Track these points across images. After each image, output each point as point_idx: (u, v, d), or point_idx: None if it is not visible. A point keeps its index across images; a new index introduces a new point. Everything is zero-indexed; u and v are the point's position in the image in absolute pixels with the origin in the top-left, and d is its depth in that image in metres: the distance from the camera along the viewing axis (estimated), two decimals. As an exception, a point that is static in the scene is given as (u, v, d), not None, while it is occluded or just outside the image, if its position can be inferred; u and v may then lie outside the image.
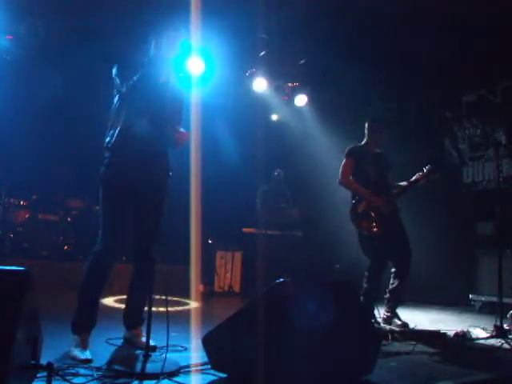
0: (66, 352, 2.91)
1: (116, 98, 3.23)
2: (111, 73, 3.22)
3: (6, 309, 1.97)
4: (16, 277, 2.12)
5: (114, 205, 3.12)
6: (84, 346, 2.93)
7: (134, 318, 3.33)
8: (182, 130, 3.31)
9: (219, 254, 7.27)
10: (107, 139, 3.16)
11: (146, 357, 2.73)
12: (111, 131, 3.16)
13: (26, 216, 6.41)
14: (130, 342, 3.28)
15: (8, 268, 2.14)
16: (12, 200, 6.38)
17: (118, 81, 3.16)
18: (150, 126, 3.14)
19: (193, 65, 6.30)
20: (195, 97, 5.82)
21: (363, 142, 4.78)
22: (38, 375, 2.32)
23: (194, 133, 5.06)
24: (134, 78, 3.07)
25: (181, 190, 5.59)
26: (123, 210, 3.14)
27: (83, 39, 6.05)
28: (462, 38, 5.87)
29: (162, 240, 3.29)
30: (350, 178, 4.60)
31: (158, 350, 3.06)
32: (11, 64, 6.28)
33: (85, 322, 3.05)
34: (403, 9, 5.64)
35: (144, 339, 2.96)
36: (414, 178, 4.59)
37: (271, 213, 6.95)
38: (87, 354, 2.84)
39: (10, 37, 6.12)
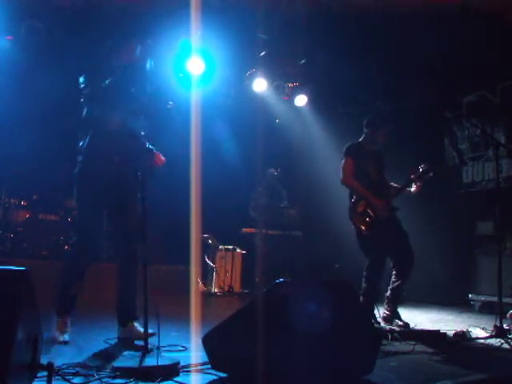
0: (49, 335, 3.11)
1: (85, 105, 3.47)
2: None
3: (6, 309, 1.97)
4: (16, 277, 2.12)
5: (87, 203, 3.39)
6: (64, 328, 3.31)
7: (126, 313, 3.44)
8: (153, 150, 3.50)
9: (219, 253, 7.27)
10: (80, 143, 3.45)
11: (145, 353, 2.75)
12: (84, 135, 3.44)
13: (26, 216, 6.41)
14: (127, 339, 3.34)
15: (8, 268, 2.14)
16: (12, 200, 6.38)
17: (87, 88, 3.41)
18: (121, 129, 3.33)
19: (193, 65, 6.31)
20: (195, 96, 5.84)
21: (361, 139, 4.76)
22: (38, 375, 2.33)
23: (194, 132, 5.06)
24: (103, 84, 3.28)
25: (181, 190, 5.59)
26: (95, 209, 3.38)
27: (82, 39, 6.05)
28: (462, 37, 5.87)
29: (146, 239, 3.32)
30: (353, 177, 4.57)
31: (159, 348, 3.07)
32: (11, 64, 6.28)
33: (64, 306, 3.40)
34: (403, 8, 5.65)
35: (141, 329, 3.13)
36: (408, 178, 4.58)
37: (268, 212, 6.95)
38: (65, 337, 3.23)
39: (10, 37, 6.11)
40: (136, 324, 3.42)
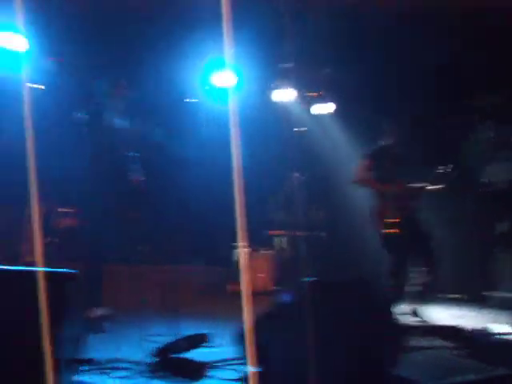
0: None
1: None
2: None
3: (56, 307, 2.12)
4: (66, 278, 2.34)
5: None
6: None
7: None
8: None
9: (252, 254, 7.41)
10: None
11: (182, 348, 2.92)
12: None
13: (72, 223, 6.69)
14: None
15: (59, 270, 2.35)
16: (59, 208, 6.70)
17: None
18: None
19: (224, 78, 6.37)
20: (231, 108, 5.92)
21: (383, 143, 4.85)
22: (81, 369, 2.52)
23: (234, 142, 5.14)
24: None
25: (219, 193, 5.67)
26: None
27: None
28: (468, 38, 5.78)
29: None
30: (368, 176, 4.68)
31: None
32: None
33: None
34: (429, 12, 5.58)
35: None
36: (429, 179, 4.62)
37: (292, 214, 7.04)
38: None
39: (54, 59, 6.32)
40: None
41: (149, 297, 5.26)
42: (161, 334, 3.50)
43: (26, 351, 2.05)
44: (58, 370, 2.03)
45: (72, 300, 2.31)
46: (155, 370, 2.74)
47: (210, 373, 2.73)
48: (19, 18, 5.35)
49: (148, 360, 2.86)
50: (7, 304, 2.16)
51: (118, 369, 2.71)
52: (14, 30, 5.56)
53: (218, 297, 6.08)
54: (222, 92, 6.34)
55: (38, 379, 1.89)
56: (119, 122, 4.11)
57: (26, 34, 5.57)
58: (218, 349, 3.26)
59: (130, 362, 2.81)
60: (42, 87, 6.92)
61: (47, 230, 6.58)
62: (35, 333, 1.92)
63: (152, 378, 2.64)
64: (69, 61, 6.22)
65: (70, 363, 2.37)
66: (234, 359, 2.90)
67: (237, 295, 5.60)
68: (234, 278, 7.25)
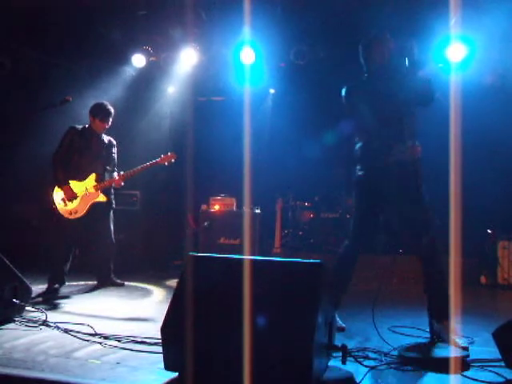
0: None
1: None
2: None
3: (309, 296, 2.34)
4: (313, 268, 2.48)
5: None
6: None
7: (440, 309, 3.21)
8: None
9: (501, 243, 6.76)
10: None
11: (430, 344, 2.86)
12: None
13: (311, 216, 7.17)
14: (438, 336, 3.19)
15: (307, 261, 2.53)
16: (298, 202, 7.22)
17: None
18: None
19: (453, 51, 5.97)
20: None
21: None
22: (333, 355, 2.61)
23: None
24: None
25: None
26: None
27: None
28: None
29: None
30: None
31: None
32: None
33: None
34: None
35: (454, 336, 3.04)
36: None
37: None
38: None
39: (283, 64, 6.64)
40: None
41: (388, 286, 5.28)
42: (406, 326, 3.52)
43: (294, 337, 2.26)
44: (315, 353, 2.20)
45: (324, 288, 2.43)
46: (403, 362, 2.70)
47: (465, 373, 2.56)
48: (247, 32, 5.90)
49: (396, 352, 2.85)
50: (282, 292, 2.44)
51: (368, 358, 2.74)
52: (244, 44, 6.16)
53: (468, 289, 5.71)
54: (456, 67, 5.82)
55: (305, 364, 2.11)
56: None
57: (253, 46, 6.15)
58: (473, 346, 3.07)
59: (380, 353, 2.82)
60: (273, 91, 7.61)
61: (293, 222, 7.18)
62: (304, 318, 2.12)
63: (400, 370, 2.62)
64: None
65: (324, 348, 2.47)
66: (492, 360, 2.71)
67: (490, 288, 5.23)
68: (488, 269, 6.70)
